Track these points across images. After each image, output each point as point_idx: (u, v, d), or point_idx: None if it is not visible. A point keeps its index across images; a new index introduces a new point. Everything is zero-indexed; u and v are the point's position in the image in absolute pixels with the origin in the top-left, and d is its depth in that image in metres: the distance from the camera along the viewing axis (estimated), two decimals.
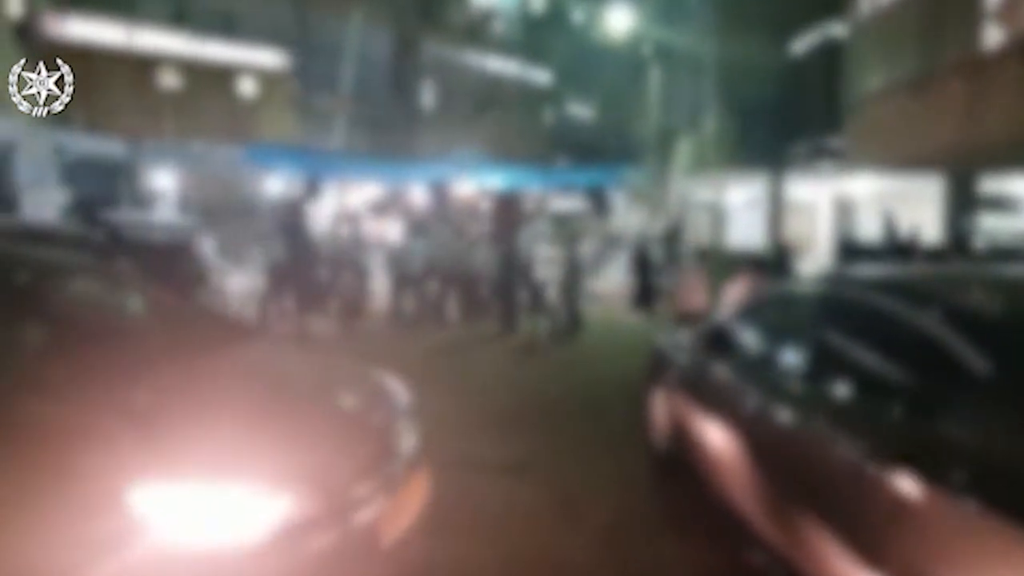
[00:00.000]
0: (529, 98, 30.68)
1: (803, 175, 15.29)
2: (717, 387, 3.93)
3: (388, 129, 27.20)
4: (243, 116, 19.77)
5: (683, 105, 17.11)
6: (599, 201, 15.86)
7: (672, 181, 16.86)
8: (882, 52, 13.96)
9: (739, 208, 16.96)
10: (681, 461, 4.42)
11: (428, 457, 3.25)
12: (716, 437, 3.69)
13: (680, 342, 4.91)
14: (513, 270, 10.55)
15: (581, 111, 33.76)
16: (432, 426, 3.50)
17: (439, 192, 14.15)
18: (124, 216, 12.16)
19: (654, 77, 18.63)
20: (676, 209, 17.09)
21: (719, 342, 3.93)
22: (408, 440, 3.07)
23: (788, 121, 14.87)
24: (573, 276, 10.58)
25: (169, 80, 18.63)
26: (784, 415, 3.14)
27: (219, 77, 20.03)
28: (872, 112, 13.91)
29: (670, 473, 4.75)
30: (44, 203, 15.77)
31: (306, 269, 9.73)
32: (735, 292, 6.87)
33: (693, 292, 9.02)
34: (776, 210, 15.45)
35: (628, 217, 17.84)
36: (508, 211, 13.62)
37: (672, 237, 16.26)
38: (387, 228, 13.79)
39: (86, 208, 11.97)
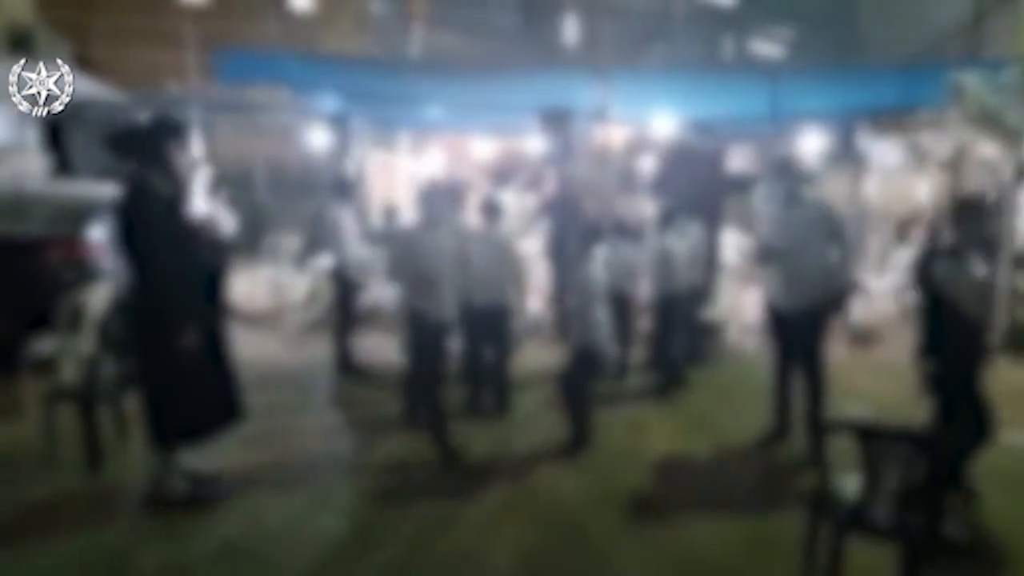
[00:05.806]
0: (705, 27, 22.91)
1: None
2: None
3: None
4: (296, 39, 13.98)
5: None
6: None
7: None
8: None
9: None
10: None
11: None
12: None
13: None
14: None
15: (769, 47, 25.23)
16: None
17: (562, 137, 7.37)
18: None
19: None
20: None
21: None
22: None
23: None
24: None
25: None
26: None
27: None
28: None
29: None
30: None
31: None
32: None
33: None
34: None
35: (902, 177, 9.75)
36: (700, 174, 6.83)
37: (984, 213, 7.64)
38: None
39: None
